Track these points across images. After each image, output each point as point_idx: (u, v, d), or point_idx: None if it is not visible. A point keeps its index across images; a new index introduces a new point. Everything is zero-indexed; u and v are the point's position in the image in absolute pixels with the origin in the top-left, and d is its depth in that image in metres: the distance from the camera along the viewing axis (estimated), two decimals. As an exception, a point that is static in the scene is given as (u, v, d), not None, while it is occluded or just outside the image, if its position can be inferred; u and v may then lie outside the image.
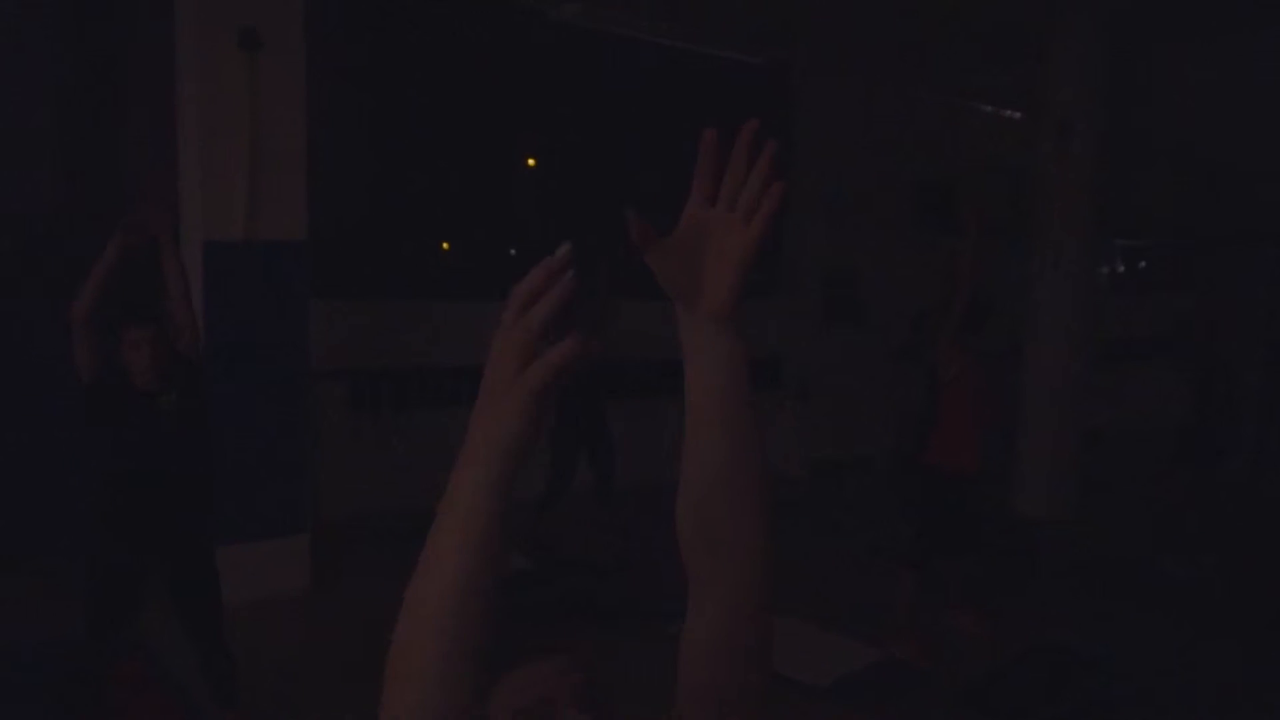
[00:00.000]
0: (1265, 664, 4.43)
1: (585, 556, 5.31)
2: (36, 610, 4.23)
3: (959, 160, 8.64)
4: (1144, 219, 10.23)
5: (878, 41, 7.26)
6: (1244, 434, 7.40)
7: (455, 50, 6.61)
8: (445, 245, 7.05)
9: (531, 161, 7.42)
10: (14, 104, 5.27)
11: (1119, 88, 7.02)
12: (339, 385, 6.00)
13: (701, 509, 0.84)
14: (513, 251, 7.36)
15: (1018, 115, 9.05)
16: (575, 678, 1.01)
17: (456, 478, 0.73)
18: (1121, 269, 10.92)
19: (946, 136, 8.57)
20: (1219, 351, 6.29)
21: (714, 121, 0.86)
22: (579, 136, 7.20)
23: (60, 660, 3.27)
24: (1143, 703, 4.06)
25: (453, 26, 6.56)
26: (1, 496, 4.83)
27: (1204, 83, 8.53)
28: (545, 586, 4.91)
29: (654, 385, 6.53)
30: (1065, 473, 6.84)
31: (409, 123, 6.55)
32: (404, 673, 0.72)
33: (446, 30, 6.55)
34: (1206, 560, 5.67)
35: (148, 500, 3.07)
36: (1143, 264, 11.11)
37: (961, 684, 4.07)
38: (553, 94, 7.01)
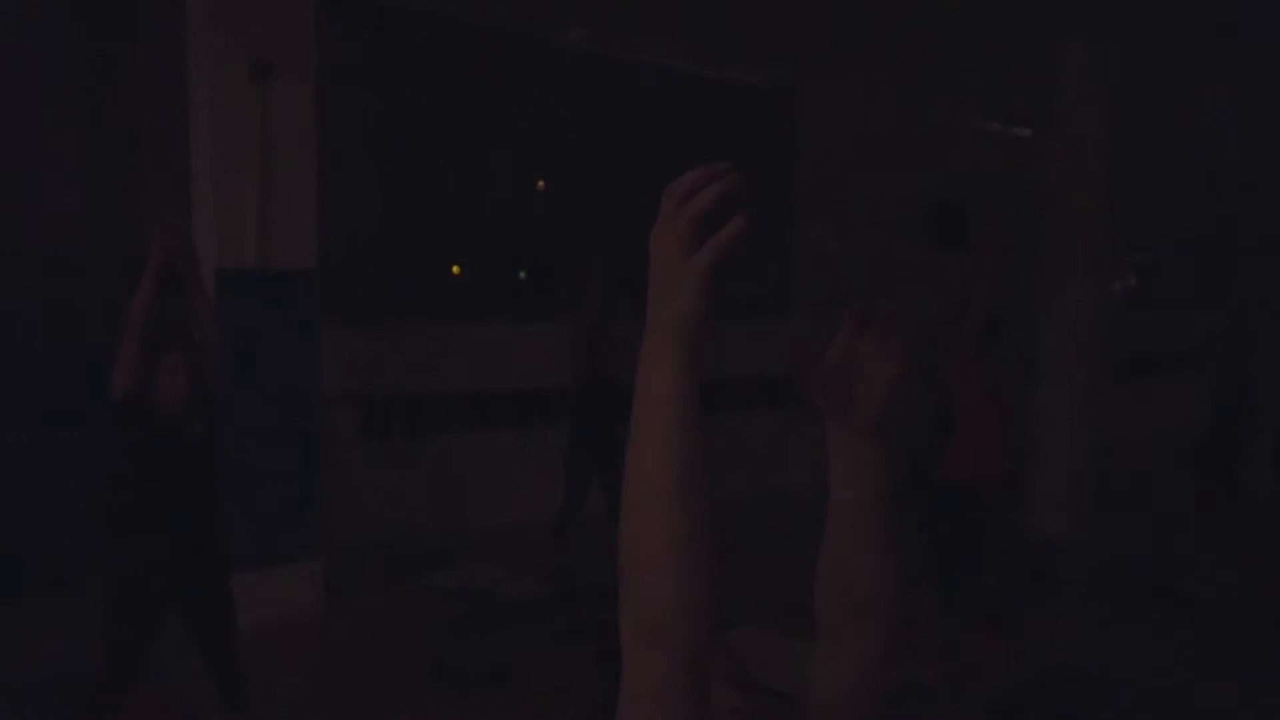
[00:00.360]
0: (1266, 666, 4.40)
1: (603, 579, 5.28)
2: (44, 624, 4.25)
3: (968, 177, 8.65)
4: (1155, 230, 10.20)
5: (881, 57, 7.28)
6: (1266, 447, 7.34)
7: (464, 76, 6.67)
8: (455, 269, 7.09)
9: (541, 184, 7.46)
10: (18, 112, 5.32)
11: (1128, 98, 7.02)
12: (350, 412, 6.01)
13: (843, 577, 1.01)
14: (522, 275, 7.39)
15: (1026, 132, 9.07)
16: (728, 659, 1.15)
17: (648, 362, 0.84)
18: (1133, 282, 10.89)
19: (954, 154, 8.59)
20: (1244, 366, 6.25)
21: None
22: (588, 159, 7.24)
23: (76, 684, 3.25)
24: (1145, 706, 4.04)
25: (462, 53, 6.62)
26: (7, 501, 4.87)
27: (1213, 91, 8.53)
28: (563, 611, 4.89)
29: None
30: (1080, 488, 6.79)
31: (418, 148, 6.61)
32: (643, 500, 0.86)
33: (456, 57, 6.61)
34: (1222, 575, 5.62)
35: (164, 516, 3.08)
36: (1150, 278, 11.08)
37: (982, 701, 4.03)
38: (561, 118, 7.06)
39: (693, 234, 0.81)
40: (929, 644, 4.35)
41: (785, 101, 8.02)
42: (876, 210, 7.85)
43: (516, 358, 6.59)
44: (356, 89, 6.15)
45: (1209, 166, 9.76)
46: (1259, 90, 8.12)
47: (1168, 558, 6.08)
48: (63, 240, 5.52)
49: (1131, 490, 7.64)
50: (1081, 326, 6.76)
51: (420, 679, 4.15)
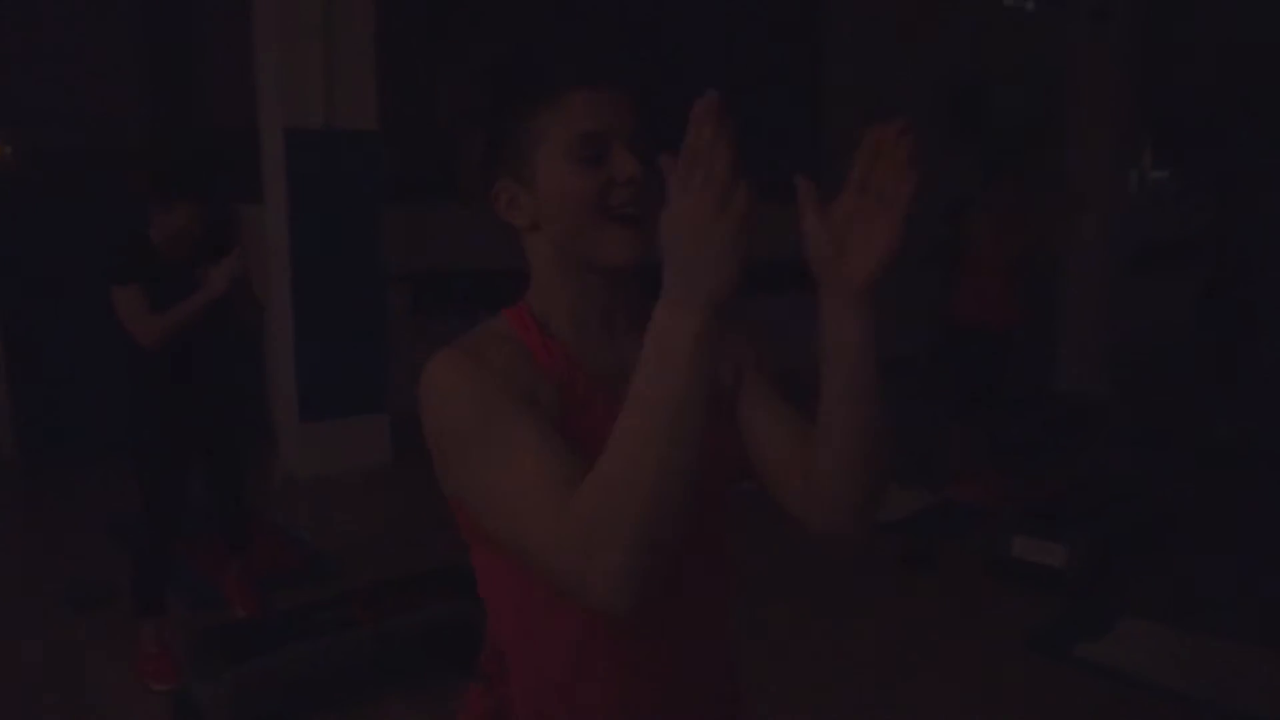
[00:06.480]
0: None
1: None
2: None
3: (993, 62, 8.57)
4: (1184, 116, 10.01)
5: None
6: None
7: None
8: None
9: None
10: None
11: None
12: (402, 288, 6.10)
13: (826, 431, 0.97)
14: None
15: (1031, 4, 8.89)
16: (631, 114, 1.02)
17: (680, 338, 0.80)
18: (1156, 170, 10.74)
19: (979, 37, 8.51)
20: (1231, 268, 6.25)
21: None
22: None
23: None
24: (1174, 528, 4.34)
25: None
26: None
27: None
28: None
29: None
30: (1102, 352, 7.06)
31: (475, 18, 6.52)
32: (659, 476, 0.80)
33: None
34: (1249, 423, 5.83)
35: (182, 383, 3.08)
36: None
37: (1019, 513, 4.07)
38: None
39: (722, 194, 0.77)
40: (966, 468, 4.75)
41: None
42: (901, 94, 7.91)
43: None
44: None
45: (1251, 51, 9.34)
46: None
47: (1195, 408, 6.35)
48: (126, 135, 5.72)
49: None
50: (1109, 212, 6.81)
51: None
